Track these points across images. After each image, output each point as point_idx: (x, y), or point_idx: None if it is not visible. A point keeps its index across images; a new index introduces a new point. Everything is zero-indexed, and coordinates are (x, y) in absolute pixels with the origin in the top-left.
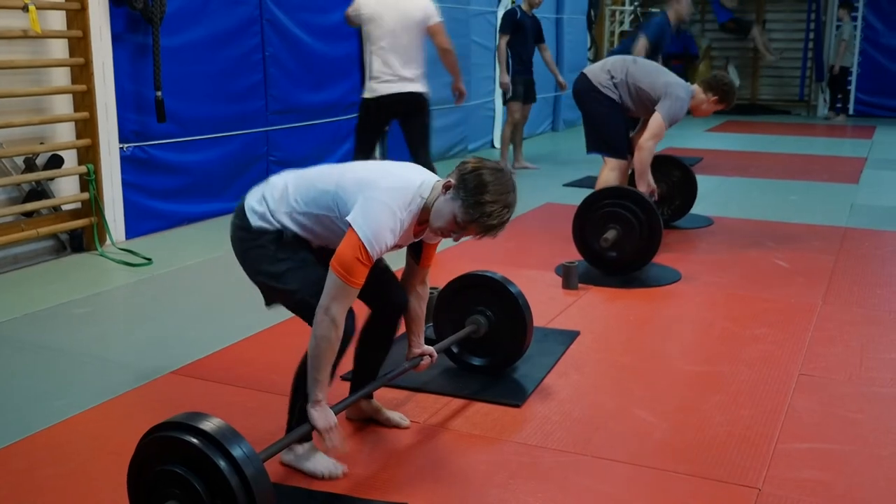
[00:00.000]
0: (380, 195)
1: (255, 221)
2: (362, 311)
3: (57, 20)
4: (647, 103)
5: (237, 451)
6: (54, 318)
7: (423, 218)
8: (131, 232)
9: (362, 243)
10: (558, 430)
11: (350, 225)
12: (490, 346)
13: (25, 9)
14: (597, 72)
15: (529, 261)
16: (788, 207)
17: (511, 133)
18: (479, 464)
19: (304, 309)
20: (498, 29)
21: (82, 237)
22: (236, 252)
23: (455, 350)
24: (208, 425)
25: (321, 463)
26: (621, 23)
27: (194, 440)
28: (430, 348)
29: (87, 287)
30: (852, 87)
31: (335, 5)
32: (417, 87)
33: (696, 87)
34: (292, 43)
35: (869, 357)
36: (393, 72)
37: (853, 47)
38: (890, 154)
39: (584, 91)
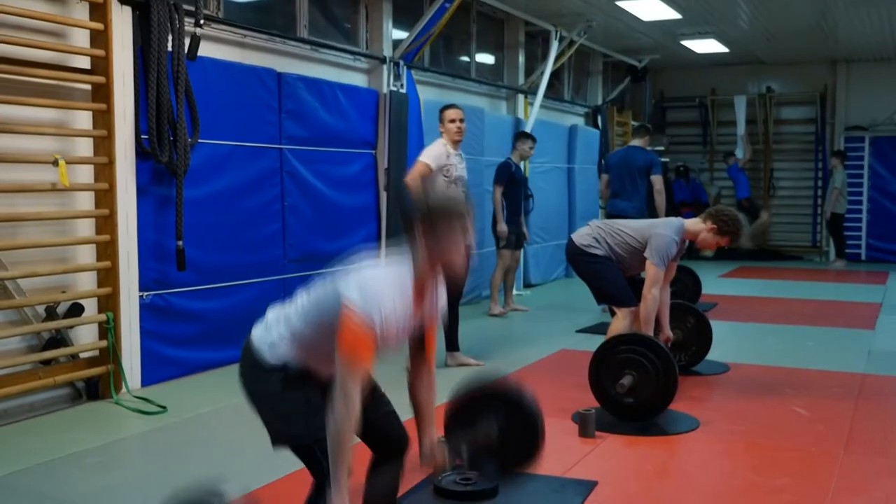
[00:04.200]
0: (372, 272)
1: (264, 353)
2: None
3: (85, 174)
4: (639, 253)
5: None
6: (67, 468)
7: (418, 286)
8: (147, 379)
9: (358, 314)
10: None
11: (343, 303)
12: (501, 453)
13: (56, 163)
14: (581, 235)
15: (545, 408)
16: (805, 353)
17: (501, 278)
18: None
19: (305, 454)
20: (493, 180)
21: (98, 385)
22: (245, 390)
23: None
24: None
25: None
26: None
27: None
28: (439, 450)
29: (101, 436)
30: (863, 234)
31: (353, 158)
32: None
33: (697, 219)
34: (311, 193)
35: None
36: None
37: (846, 195)
38: None
39: (572, 255)
